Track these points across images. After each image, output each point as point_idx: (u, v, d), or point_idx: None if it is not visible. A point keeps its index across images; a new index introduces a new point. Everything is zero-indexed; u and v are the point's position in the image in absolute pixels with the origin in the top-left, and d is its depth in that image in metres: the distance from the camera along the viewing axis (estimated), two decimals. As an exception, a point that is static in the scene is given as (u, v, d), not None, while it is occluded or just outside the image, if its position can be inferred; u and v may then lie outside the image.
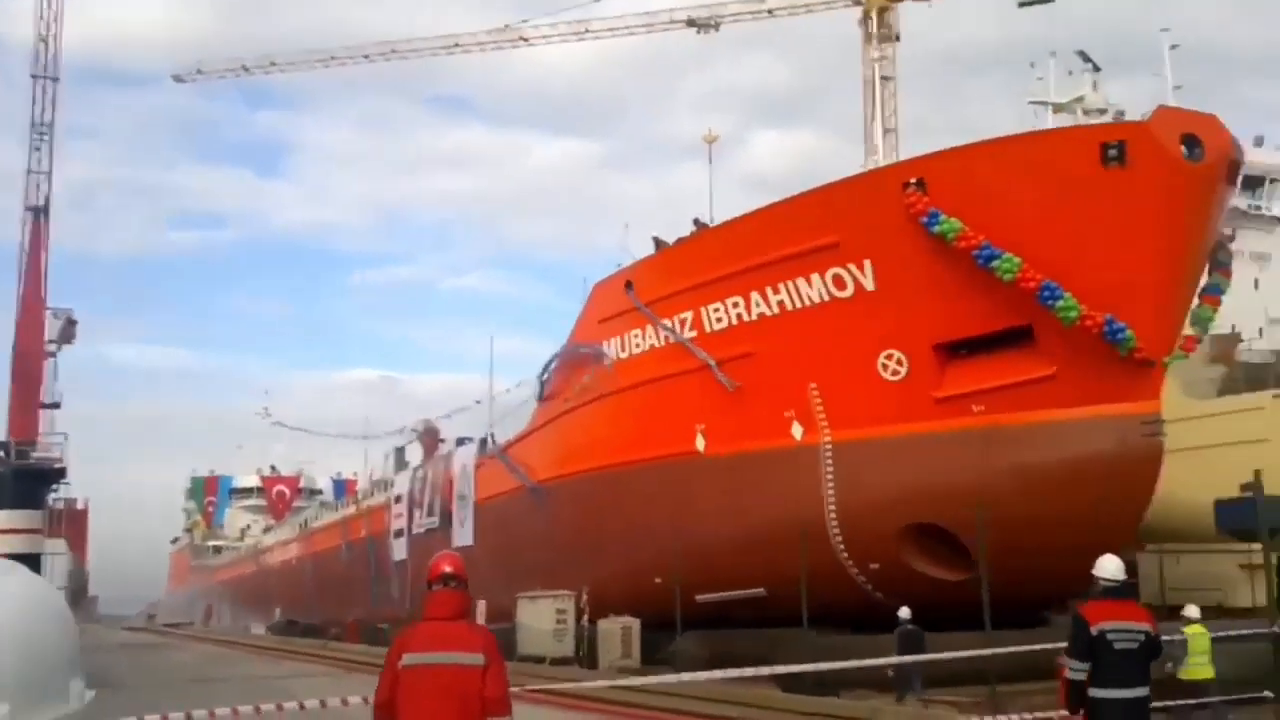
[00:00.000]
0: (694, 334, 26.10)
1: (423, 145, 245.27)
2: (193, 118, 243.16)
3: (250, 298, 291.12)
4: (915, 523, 23.20)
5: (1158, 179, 20.31)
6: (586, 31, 58.88)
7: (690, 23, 56.79)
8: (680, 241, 27.92)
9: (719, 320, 25.57)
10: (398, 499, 47.54)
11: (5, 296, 58.64)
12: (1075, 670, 8.04)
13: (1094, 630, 7.96)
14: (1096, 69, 40.46)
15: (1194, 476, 29.43)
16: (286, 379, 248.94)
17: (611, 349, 28.62)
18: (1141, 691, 8.05)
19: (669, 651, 25.21)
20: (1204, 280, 23.15)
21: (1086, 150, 20.82)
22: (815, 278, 23.85)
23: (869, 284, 23.29)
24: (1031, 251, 21.10)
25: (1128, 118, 38.94)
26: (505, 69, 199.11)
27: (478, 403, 42.90)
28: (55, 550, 73.15)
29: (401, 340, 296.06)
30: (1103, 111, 39.60)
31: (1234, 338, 35.21)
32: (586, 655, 27.40)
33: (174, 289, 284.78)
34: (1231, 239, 25.42)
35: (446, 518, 40.43)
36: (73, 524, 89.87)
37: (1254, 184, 41.41)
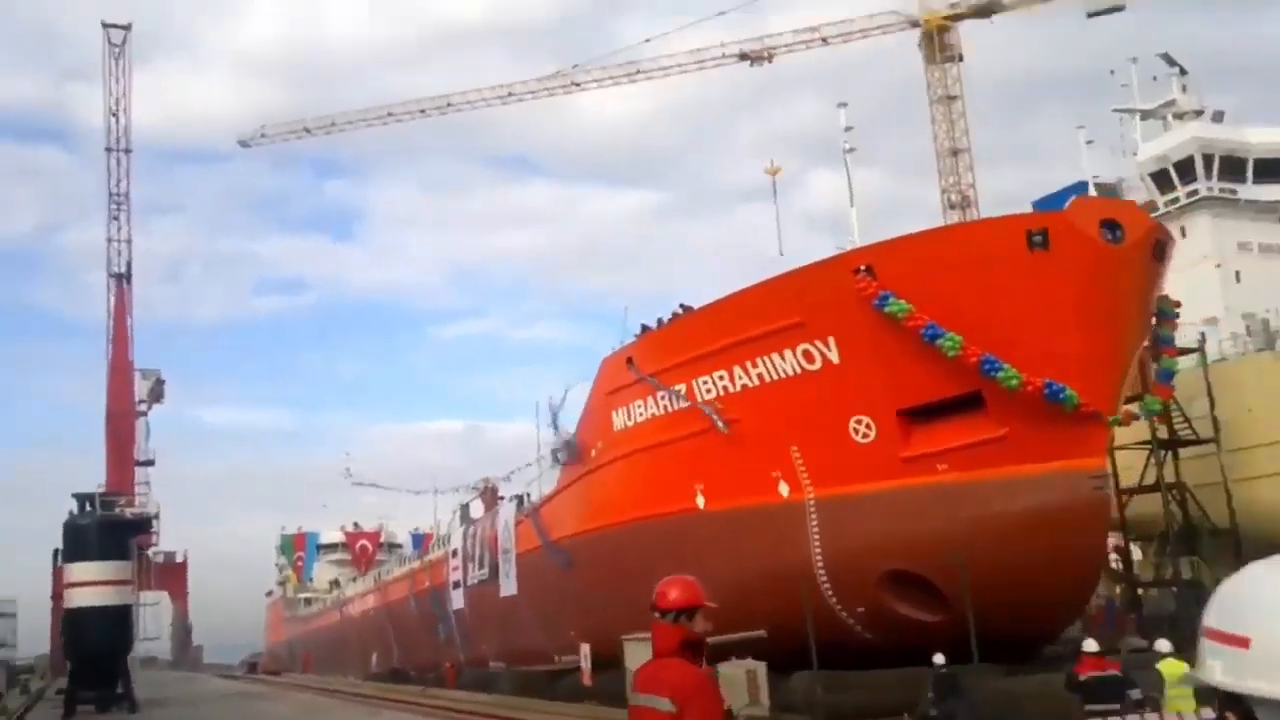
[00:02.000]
0: (688, 404, 28.86)
1: (486, 204, 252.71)
2: (268, 190, 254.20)
3: (331, 356, 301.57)
4: (893, 569, 25.57)
5: (1079, 260, 22.66)
6: (638, 72, 58.70)
7: (743, 56, 56.30)
8: (669, 322, 30.77)
9: (708, 391, 28.26)
10: (454, 552, 50.70)
11: (100, 362, 63.11)
12: None
13: None
14: (1183, 71, 39.70)
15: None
16: (368, 433, 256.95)
17: (619, 418, 31.46)
18: None
19: (787, 694, 24.48)
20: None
21: (1014, 237, 23.23)
22: (788, 353, 26.44)
23: (834, 358, 25.81)
24: (975, 326, 23.46)
25: (1226, 120, 39.02)
26: (561, 125, 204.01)
27: (528, 465, 45.86)
28: (153, 601, 77.48)
29: (481, 391, 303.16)
30: (1199, 113, 38.86)
31: None
32: None
33: (261, 351, 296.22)
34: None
35: (494, 570, 43.32)
36: (173, 576, 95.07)
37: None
